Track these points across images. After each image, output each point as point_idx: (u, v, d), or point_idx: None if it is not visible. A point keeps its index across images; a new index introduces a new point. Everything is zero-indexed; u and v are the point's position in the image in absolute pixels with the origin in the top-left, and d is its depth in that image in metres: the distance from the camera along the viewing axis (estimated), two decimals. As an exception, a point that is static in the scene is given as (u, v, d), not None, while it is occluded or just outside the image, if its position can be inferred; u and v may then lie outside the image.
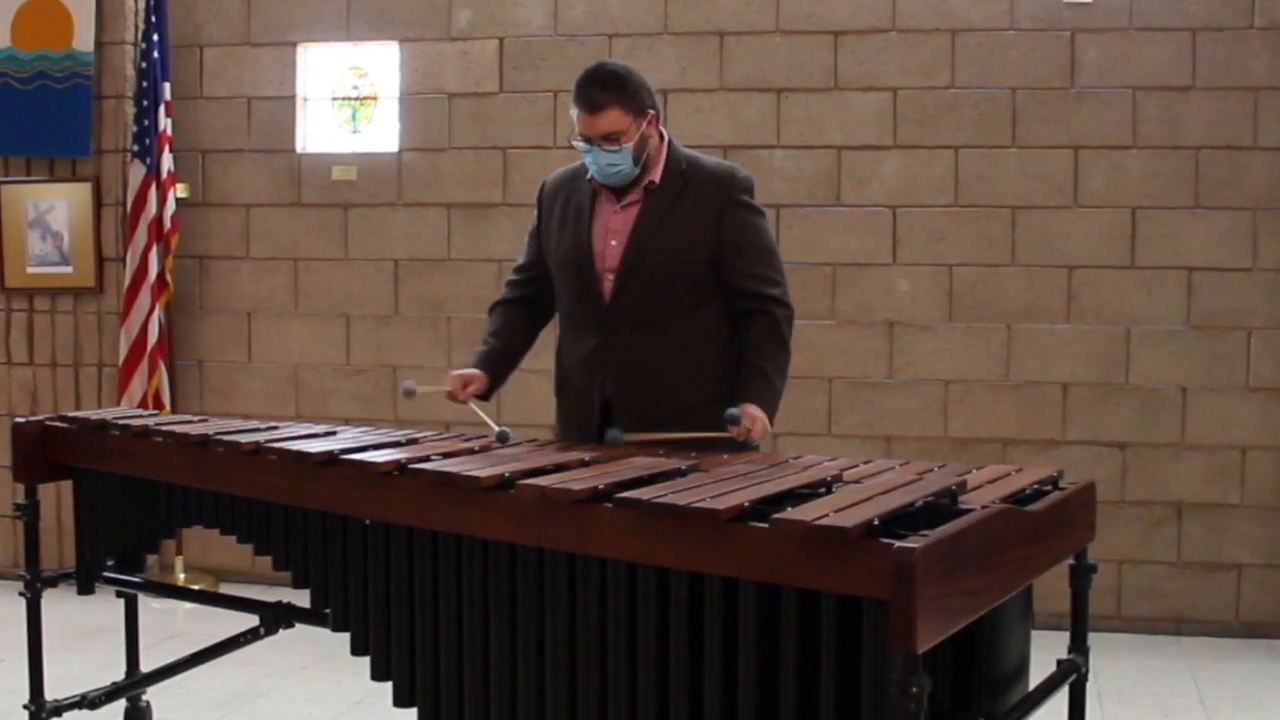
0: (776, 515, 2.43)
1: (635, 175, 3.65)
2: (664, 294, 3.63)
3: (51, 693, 4.07)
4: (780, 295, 3.70)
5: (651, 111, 3.63)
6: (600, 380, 3.68)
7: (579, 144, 3.61)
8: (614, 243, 3.66)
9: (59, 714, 4.06)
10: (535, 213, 3.89)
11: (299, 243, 6.61)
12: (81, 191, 6.55)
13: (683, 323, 3.65)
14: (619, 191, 3.68)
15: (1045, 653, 3.06)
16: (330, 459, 3.19)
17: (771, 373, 3.65)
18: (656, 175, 3.67)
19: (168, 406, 6.36)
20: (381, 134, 6.60)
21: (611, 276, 3.65)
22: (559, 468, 3.00)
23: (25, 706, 4.03)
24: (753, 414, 3.52)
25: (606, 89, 3.55)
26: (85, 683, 4.34)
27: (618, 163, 3.60)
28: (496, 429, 3.51)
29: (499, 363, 3.87)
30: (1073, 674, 3.07)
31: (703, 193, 3.66)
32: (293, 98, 6.59)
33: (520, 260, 3.95)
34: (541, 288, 3.89)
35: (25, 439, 3.95)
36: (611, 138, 3.55)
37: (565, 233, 3.74)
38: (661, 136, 3.71)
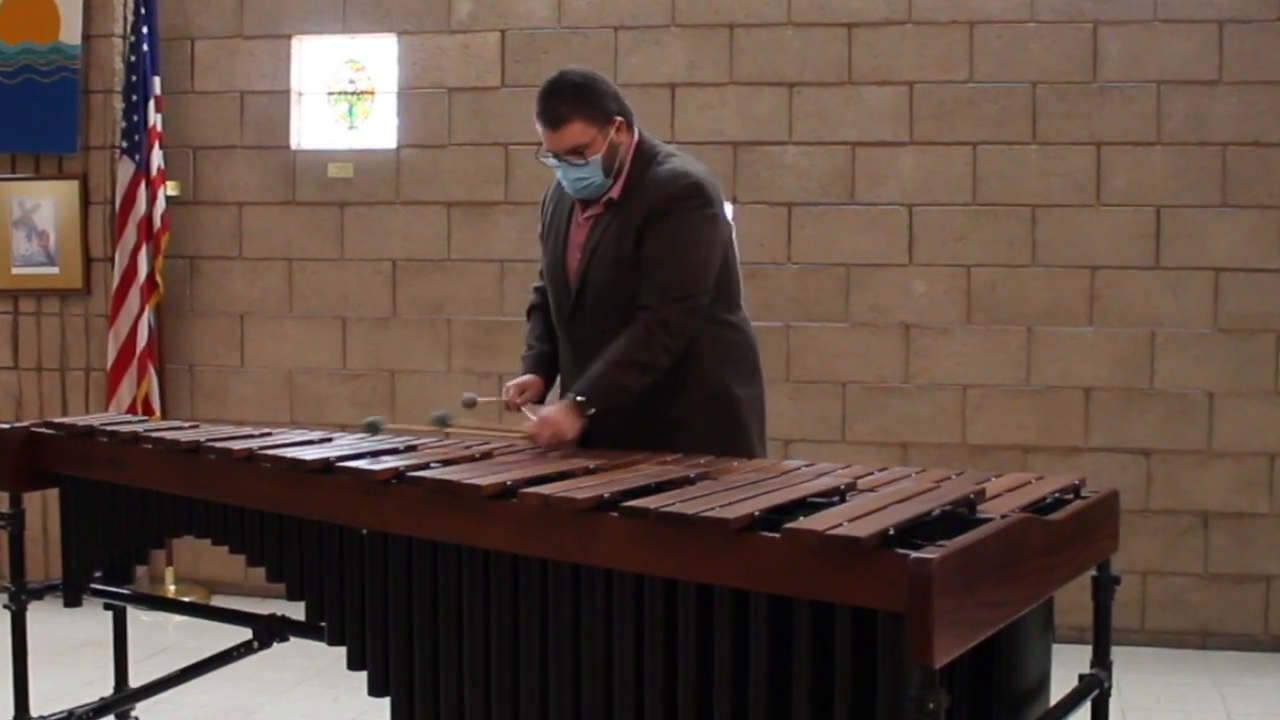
0: (788, 525, 2.42)
1: (609, 186, 3.59)
2: (613, 307, 3.59)
3: (37, 709, 4.03)
4: (662, 304, 3.50)
5: (619, 118, 3.57)
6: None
7: (548, 160, 3.58)
8: (577, 256, 3.66)
9: (45, 731, 4.04)
10: (539, 219, 3.91)
11: (293, 242, 6.56)
12: (68, 189, 6.51)
13: None
14: (586, 203, 3.67)
15: (1067, 667, 3.04)
16: (326, 466, 3.19)
17: (610, 364, 3.48)
18: (618, 188, 3.61)
19: (157, 412, 6.33)
20: (379, 130, 6.57)
21: (573, 291, 3.66)
22: (562, 475, 2.99)
23: (9, 724, 4.03)
24: (546, 417, 3.47)
25: (566, 101, 3.52)
26: (72, 698, 4.31)
27: (586, 176, 3.57)
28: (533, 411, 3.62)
29: (549, 364, 3.85)
30: (1095, 689, 3.06)
31: (638, 204, 3.58)
32: (287, 92, 6.56)
33: (540, 266, 3.95)
34: None
35: (10, 446, 3.94)
36: (577, 151, 3.52)
37: (548, 245, 3.76)
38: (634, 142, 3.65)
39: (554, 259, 3.70)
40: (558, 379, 3.85)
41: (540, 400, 3.80)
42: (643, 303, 3.53)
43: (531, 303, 3.95)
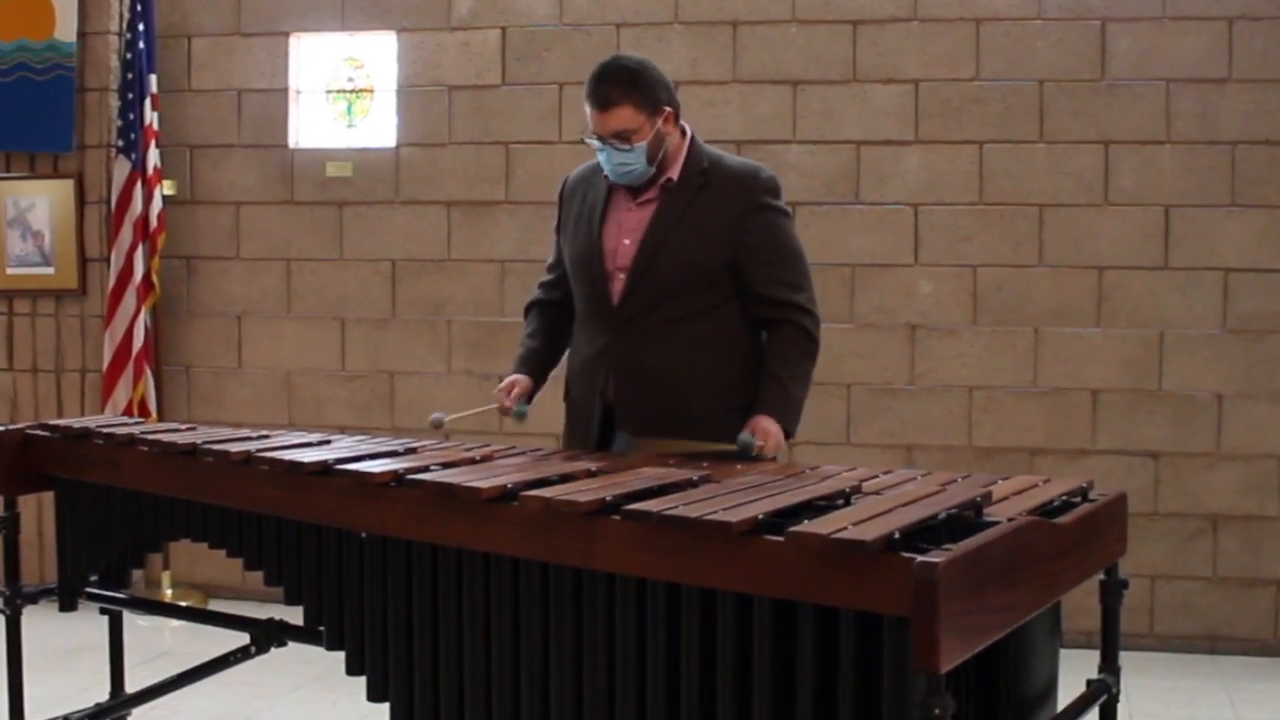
0: (792, 528, 2.40)
1: (649, 174, 3.60)
2: (677, 296, 3.58)
3: (32, 714, 4.03)
4: (804, 301, 3.66)
5: (668, 109, 3.57)
6: (603, 383, 3.63)
7: (592, 141, 3.58)
8: (627, 241, 3.61)
9: (40, 737, 4.03)
10: (557, 209, 3.87)
11: (291, 242, 6.54)
12: (63, 189, 6.49)
13: (694, 327, 3.60)
14: (635, 189, 3.64)
15: (1074, 672, 3.04)
16: (324, 469, 3.18)
17: (788, 381, 3.61)
18: (675, 173, 3.62)
19: (154, 414, 6.32)
20: (378, 128, 6.56)
21: (623, 276, 3.61)
22: (564, 478, 2.97)
23: (4, 729, 4.01)
24: (764, 428, 3.50)
25: (619, 85, 3.52)
26: (67, 704, 4.34)
27: (630, 162, 3.55)
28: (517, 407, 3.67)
29: (540, 362, 3.86)
30: (1103, 694, 3.05)
31: (723, 193, 3.61)
32: (285, 90, 6.55)
33: (549, 259, 3.92)
34: (570, 287, 3.89)
35: (5, 448, 3.93)
36: (623, 136, 3.52)
37: (579, 230, 3.71)
38: (684, 133, 3.66)
39: (589, 246, 3.64)
40: (547, 375, 3.85)
41: (528, 400, 3.79)
42: (770, 296, 3.59)
43: (534, 299, 3.92)
